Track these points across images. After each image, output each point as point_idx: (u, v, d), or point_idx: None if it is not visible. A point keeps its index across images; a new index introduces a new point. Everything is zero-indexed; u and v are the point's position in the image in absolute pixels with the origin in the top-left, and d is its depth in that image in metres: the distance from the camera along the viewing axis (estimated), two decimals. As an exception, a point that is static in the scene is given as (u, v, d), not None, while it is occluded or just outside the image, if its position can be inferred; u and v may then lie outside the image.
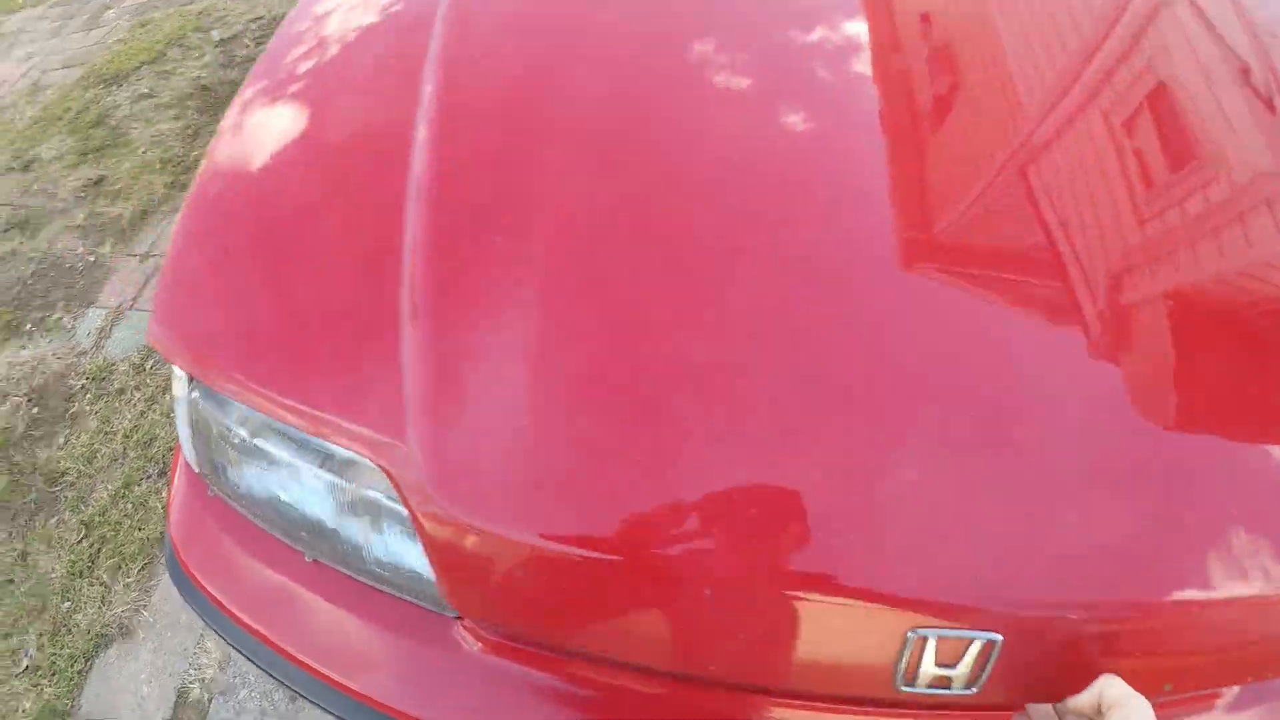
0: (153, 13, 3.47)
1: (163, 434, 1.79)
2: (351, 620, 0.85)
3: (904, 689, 0.66)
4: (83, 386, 1.95)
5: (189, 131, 2.69)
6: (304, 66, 1.14)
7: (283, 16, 3.33)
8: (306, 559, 0.88)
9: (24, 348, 2.08)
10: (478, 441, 0.70)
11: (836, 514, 0.65)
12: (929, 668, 0.64)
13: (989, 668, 0.64)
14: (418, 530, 0.71)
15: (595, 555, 0.65)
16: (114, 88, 2.98)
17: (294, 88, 1.09)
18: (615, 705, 0.77)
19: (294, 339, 0.81)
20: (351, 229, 0.91)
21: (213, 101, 2.82)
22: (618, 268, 0.79)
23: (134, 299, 2.15)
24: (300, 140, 1.00)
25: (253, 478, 0.86)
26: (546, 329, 0.75)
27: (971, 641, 0.62)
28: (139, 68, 3.05)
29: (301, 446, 0.80)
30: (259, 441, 0.82)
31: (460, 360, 0.74)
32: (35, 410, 1.93)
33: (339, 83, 1.09)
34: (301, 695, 0.87)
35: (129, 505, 1.67)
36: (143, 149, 2.64)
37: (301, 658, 0.86)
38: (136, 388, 1.91)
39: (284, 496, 0.84)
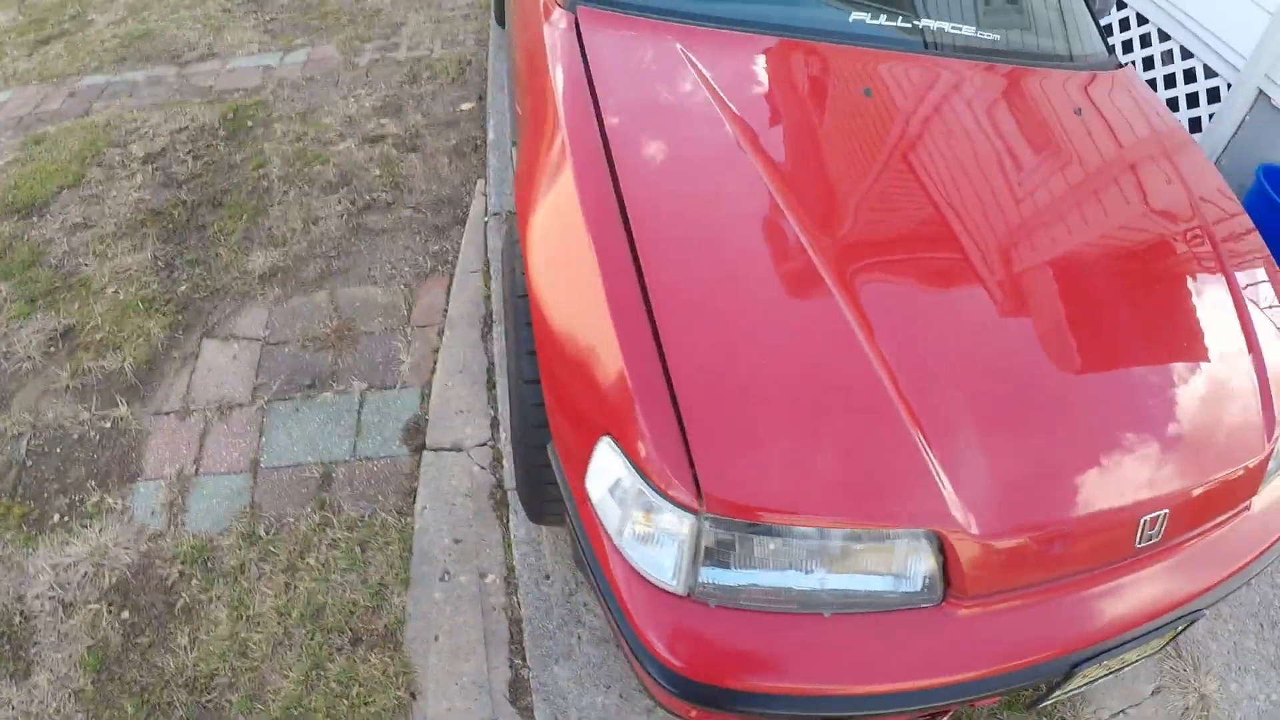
0: (42, 127, 2.98)
1: (331, 600, 1.58)
2: (871, 642, 1.07)
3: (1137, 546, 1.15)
4: (181, 574, 1.65)
5: (159, 264, 2.36)
6: (671, 208, 1.29)
7: (209, 125, 3.01)
8: (826, 615, 1.07)
9: (67, 544, 1.72)
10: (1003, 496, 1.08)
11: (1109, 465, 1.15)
12: (1146, 531, 1.14)
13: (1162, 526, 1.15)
14: (950, 555, 1.06)
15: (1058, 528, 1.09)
16: (34, 219, 2.52)
17: (682, 223, 1.27)
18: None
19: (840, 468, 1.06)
20: (825, 365, 1.03)
21: (173, 228, 2.50)
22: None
23: (196, 462, 1.85)
24: (750, 291, 1.21)
25: (774, 577, 1.07)
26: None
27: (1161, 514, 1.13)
28: (57, 193, 2.61)
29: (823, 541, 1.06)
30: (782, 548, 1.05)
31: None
32: (126, 615, 1.61)
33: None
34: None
35: (334, 685, 1.46)
36: (111, 289, 2.27)
37: (837, 689, 1.06)
38: (261, 559, 1.66)
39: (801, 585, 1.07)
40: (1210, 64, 2.82)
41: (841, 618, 1.07)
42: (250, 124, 3.04)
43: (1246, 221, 1.64)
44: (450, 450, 1.82)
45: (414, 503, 1.75)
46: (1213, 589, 1.22)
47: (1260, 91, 2.64)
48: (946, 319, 1.23)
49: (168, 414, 1.96)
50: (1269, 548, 1.29)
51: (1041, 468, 1.11)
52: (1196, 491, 1.16)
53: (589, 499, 1.16)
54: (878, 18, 1.71)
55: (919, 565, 1.07)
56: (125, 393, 2.01)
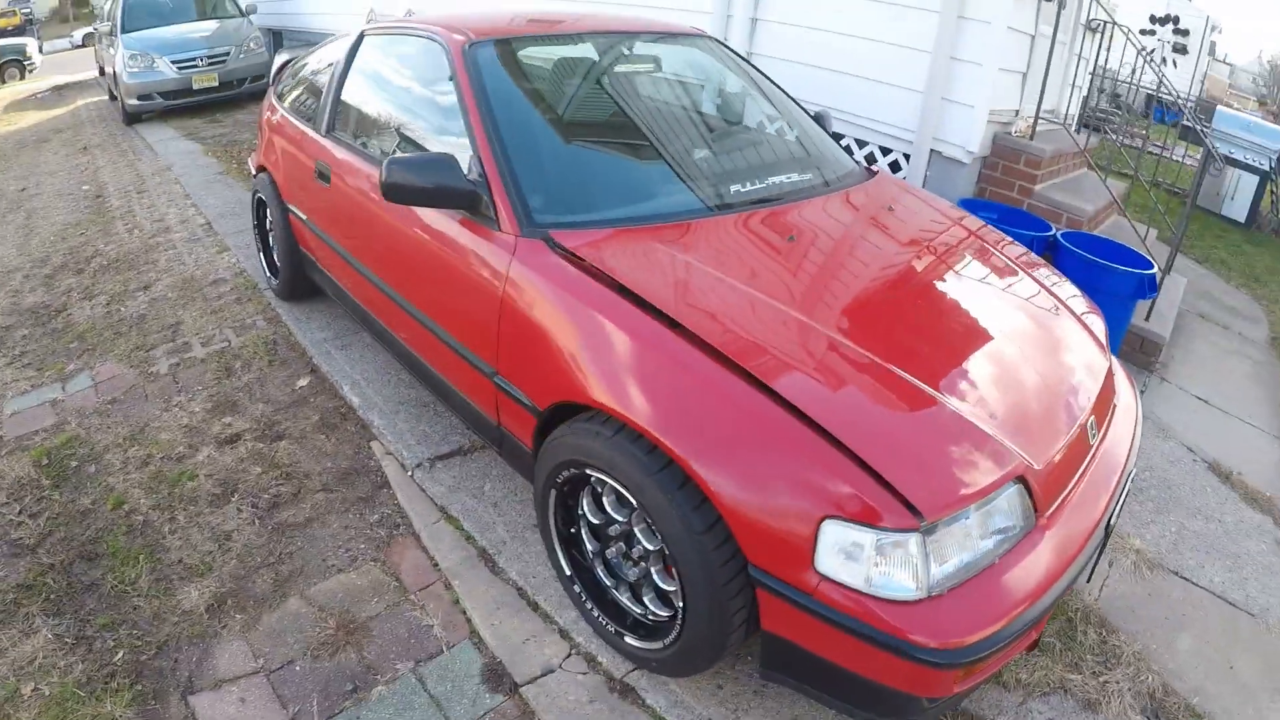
0: None
1: None
2: (1029, 563, 1.56)
3: (1091, 442, 1.88)
4: None
5: (69, 641, 2.04)
6: (743, 339, 1.76)
7: (27, 478, 2.71)
8: (996, 562, 1.55)
9: None
10: (1035, 436, 1.69)
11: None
12: (1093, 431, 1.89)
13: (1094, 425, 1.88)
14: (1032, 490, 1.61)
15: (1065, 444, 1.73)
16: None
17: (756, 340, 1.75)
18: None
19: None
20: (878, 388, 1.71)
21: (57, 597, 2.17)
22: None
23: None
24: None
25: (965, 554, 1.50)
26: None
27: (1090, 419, 1.87)
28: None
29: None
30: (962, 531, 1.52)
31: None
32: None
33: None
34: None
35: None
36: (28, 688, 1.91)
37: None
38: None
39: (981, 550, 1.53)
40: (893, 146, 4.15)
41: (1004, 557, 1.53)
42: (75, 463, 2.74)
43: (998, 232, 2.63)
44: (545, 675, 1.92)
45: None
46: (1131, 453, 1.97)
47: (931, 150, 4.00)
48: (923, 347, 1.85)
49: None
50: (1137, 427, 2.10)
51: (1036, 412, 1.72)
52: (1095, 397, 1.91)
53: (823, 576, 1.45)
54: (747, 188, 2.35)
55: (1020, 505, 1.56)
56: None
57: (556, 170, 2.27)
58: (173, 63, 7.65)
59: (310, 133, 3.15)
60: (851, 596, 1.43)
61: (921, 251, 2.32)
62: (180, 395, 3.14)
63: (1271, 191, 6.76)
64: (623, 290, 1.84)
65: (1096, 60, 5.29)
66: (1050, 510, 1.64)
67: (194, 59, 7.72)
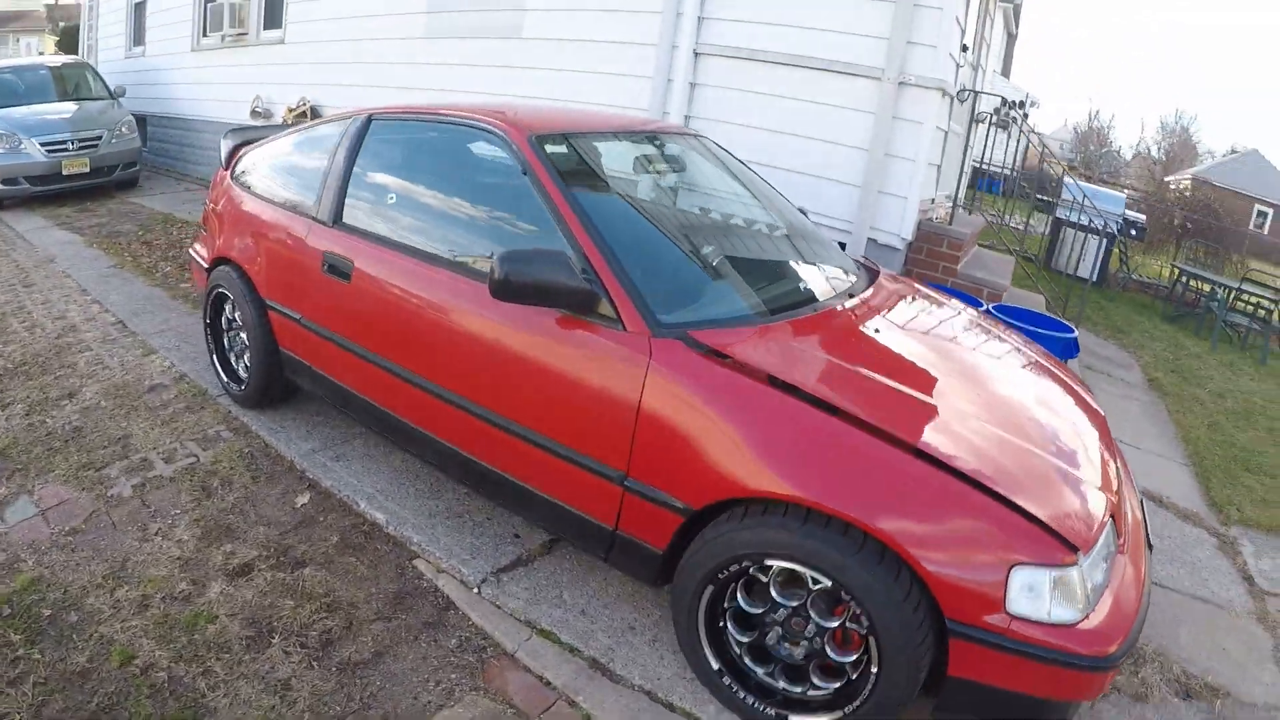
0: None
1: None
2: (1131, 581, 1.87)
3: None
4: None
5: None
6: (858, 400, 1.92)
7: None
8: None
9: None
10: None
11: None
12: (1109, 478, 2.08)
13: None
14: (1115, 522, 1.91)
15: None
16: None
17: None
18: None
19: None
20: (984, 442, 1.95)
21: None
22: None
23: None
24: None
25: (1098, 574, 1.77)
26: None
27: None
28: None
29: None
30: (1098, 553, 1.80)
31: None
32: None
33: None
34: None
35: None
36: None
37: None
38: None
39: (1102, 570, 1.81)
40: (833, 236, 4.39)
41: (1110, 578, 1.80)
42: (47, 611, 2.20)
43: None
44: None
45: None
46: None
47: (869, 238, 4.26)
48: (1008, 412, 2.09)
49: None
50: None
51: (1091, 457, 2.03)
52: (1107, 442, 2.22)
53: (1014, 616, 1.63)
54: (820, 286, 2.53)
55: (1112, 535, 1.84)
56: None
57: (659, 267, 2.24)
58: (41, 145, 6.76)
59: (306, 223, 2.87)
60: (1039, 628, 1.63)
61: (957, 335, 2.56)
62: (157, 521, 2.64)
63: (1120, 251, 7.98)
64: (777, 384, 1.87)
65: (972, 149, 6.04)
66: (1122, 538, 1.92)
67: (63, 142, 6.86)
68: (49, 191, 6.89)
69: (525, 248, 2.04)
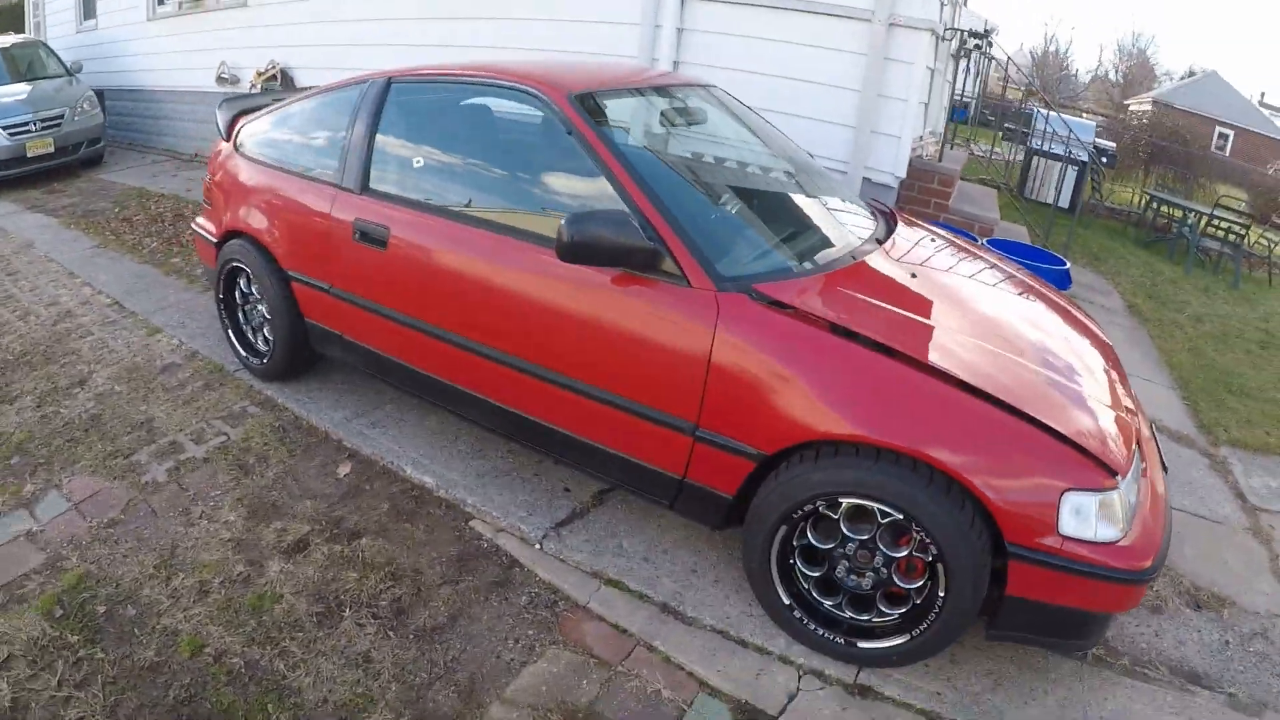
0: None
1: None
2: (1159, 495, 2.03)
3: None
4: None
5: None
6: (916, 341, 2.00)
7: (48, 638, 2.36)
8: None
9: None
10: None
11: None
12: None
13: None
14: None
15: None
16: None
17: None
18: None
19: None
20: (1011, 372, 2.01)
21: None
22: None
23: None
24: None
25: (1133, 491, 1.89)
26: None
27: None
28: None
29: None
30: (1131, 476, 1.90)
31: None
32: None
33: None
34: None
35: None
36: None
37: None
38: None
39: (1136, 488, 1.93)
40: (834, 167, 4.39)
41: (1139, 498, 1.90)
42: (102, 608, 2.15)
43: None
44: (791, 701, 1.94)
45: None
46: None
47: (864, 177, 4.28)
48: (1038, 350, 2.16)
49: None
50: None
51: (1111, 386, 2.13)
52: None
53: (1065, 537, 1.73)
54: (856, 233, 2.56)
55: (1138, 459, 1.94)
56: None
57: (708, 222, 2.21)
58: (3, 129, 6.31)
59: (330, 192, 2.76)
60: (1086, 547, 1.75)
61: (978, 274, 2.60)
62: (199, 505, 2.59)
63: (1092, 179, 8.10)
64: (839, 331, 1.91)
65: (952, 84, 6.02)
66: (1145, 461, 2.04)
67: (25, 124, 6.42)
68: (14, 175, 6.48)
69: (589, 210, 2.01)
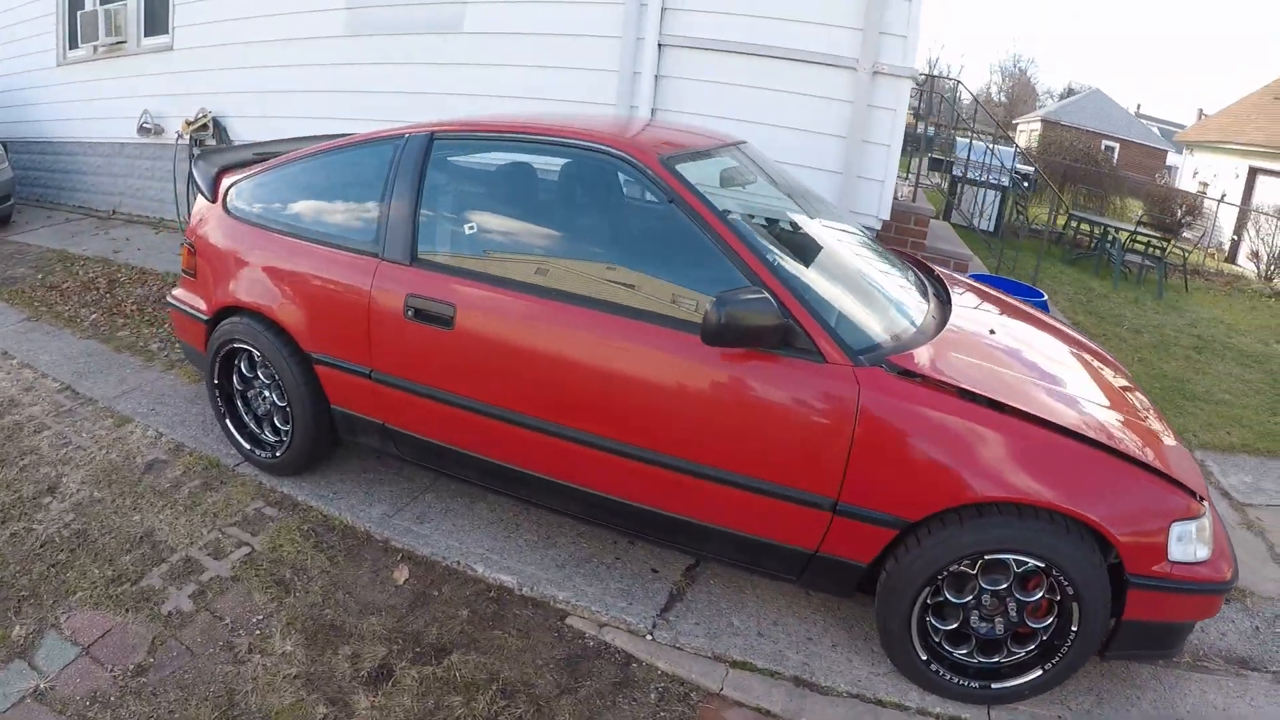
0: None
1: None
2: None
3: None
4: None
5: None
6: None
7: None
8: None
9: None
10: None
11: None
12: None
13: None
14: None
15: None
16: None
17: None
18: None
19: None
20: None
21: None
22: None
23: None
24: None
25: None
26: None
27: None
28: None
29: None
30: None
31: None
32: None
33: None
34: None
35: None
36: None
37: None
38: None
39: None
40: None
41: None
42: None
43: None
44: None
45: None
46: None
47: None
48: (1101, 393, 2.28)
49: None
50: None
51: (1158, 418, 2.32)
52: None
53: (1173, 563, 1.86)
54: (929, 295, 2.61)
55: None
56: None
57: (819, 294, 2.08)
58: None
59: (367, 262, 2.42)
60: (1189, 569, 1.89)
61: (1021, 321, 2.72)
62: (243, 635, 2.17)
63: (1015, 203, 8.58)
64: (968, 395, 1.93)
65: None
66: None
67: None
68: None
69: (734, 292, 1.87)
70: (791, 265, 2.11)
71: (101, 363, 3.70)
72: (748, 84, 4.53)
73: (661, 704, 1.99)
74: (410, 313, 2.33)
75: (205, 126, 5.52)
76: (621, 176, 2.20)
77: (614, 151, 2.17)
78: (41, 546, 2.48)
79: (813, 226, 2.63)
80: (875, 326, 2.12)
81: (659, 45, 4.64)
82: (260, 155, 3.02)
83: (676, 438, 2.05)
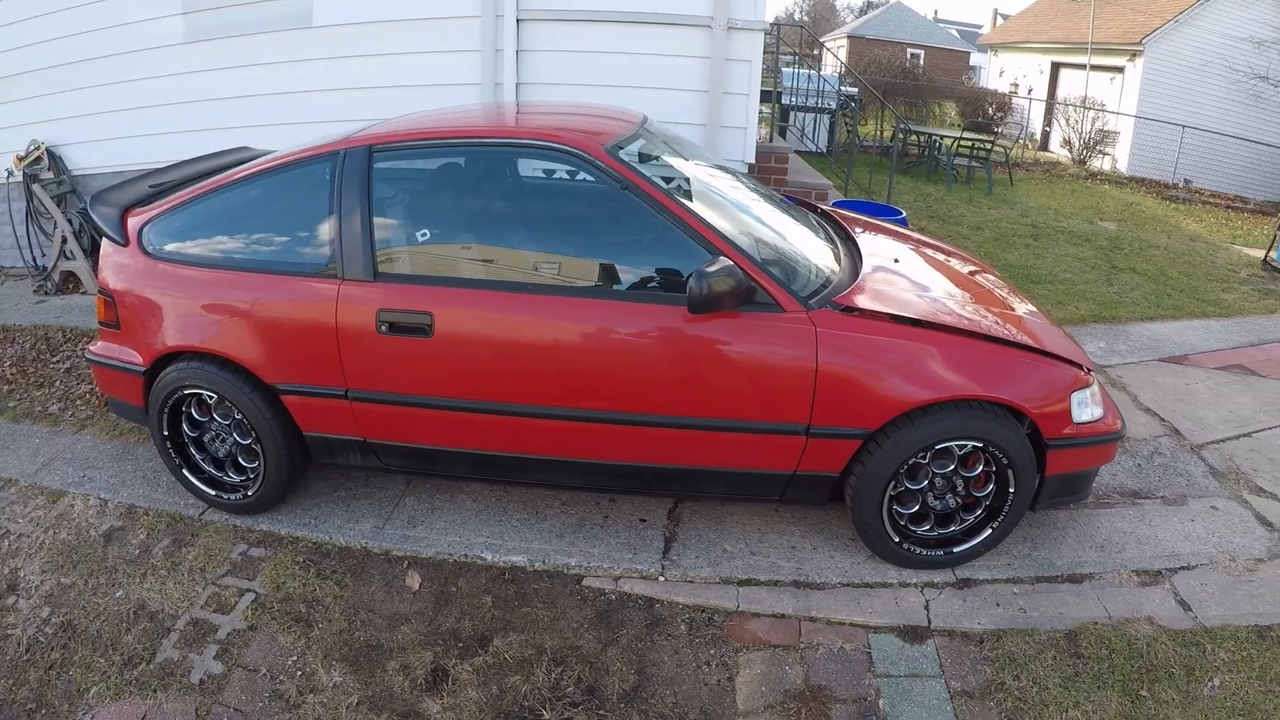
0: None
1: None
2: None
3: None
4: None
5: None
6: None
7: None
8: None
9: None
10: None
11: None
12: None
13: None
14: None
15: None
16: None
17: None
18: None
19: None
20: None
21: None
22: None
23: None
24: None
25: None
26: None
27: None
28: None
29: None
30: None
31: None
32: None
33: None
34: None
35: None
36: None
37: None
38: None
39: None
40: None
41: None
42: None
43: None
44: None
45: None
46: None
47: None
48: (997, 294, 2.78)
49: None
50: None
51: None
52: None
53: (1077, 424, 2.30)
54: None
55: None
56: None
57: (771, 253, 2.34)
58: None
59: (324, 285, 2.37)
60: (1090, 426, 2.35)
61: (910, 243, 3.11)
62: (285, 680, 2.17)
63: (846, 123, 9.19)
64: (900, 320, 2.27)
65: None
66: None
67: None
68: None
69: (707, 264, 2.07)
70: (736, 231, 2.33)
71: (2, 438, 3.33)
72: (609, 50, 4.61)
73: (694, 632, 2.25)
74: (384, 327, 2.33)
75: (39, 160, 4.85)
76: (570, 168, 2.30)
77: (563, 147, 2.27)
78: (28, 651, 2.31)
79: (729, 189, 2.85)
80: (812, 274, 2.41)
81: (517, 20, 4.59)
82: (158, 186, 2.78)
83: (665, 399, 2.26)
